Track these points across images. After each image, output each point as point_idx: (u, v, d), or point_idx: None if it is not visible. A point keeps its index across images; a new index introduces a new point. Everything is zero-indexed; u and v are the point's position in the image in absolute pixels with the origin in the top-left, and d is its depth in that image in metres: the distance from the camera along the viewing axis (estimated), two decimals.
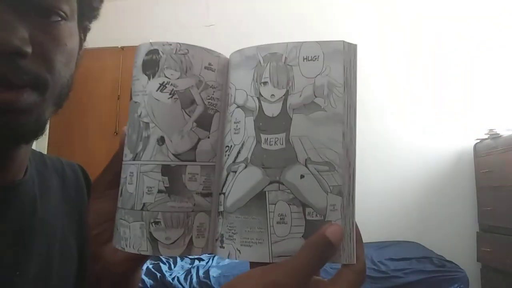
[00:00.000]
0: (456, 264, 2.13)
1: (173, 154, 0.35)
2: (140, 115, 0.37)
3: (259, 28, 3.31)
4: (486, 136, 2.77)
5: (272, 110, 0.36)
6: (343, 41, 0.38)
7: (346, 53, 0.38)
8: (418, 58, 3.13)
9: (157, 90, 0.36)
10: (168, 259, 2.40)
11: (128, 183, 0.37)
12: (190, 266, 2.24)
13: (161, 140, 0.35)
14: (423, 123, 3.06)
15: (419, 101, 3.10)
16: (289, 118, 0.35)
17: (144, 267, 2.20)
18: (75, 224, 0.53)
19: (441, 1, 3.19)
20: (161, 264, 2.24)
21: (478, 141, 2.85)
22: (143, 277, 2.06)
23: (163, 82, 0.36)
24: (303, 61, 0.38)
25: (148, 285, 2.00)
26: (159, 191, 0.35)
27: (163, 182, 0.35)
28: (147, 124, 0.36)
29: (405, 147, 3.05)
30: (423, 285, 1.95)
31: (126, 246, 0.36)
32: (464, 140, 2.96)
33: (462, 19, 3.13)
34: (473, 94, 3.04)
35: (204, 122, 0.37)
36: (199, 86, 0.37)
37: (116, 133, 3.22)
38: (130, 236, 0.35)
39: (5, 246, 0.41)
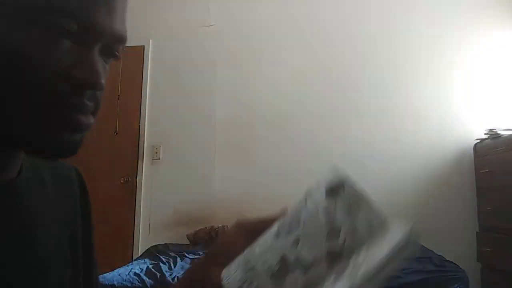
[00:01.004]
0: (456, 264, 2.13)
1: (295, 256, 0.43)
2: (299, 216, 0.46)
3: (259, 28, 3.31)
4: (486, 136, 2.77)
5: None
6: (409, 228, 0.40)
7: (405, 244, 0.40)
8: (419, 59, 3.14)
9: (322, 212, 0.45)
10: (168, 259, 2.40)
11: (259, 247, 0.45)
12: (190, 266, 2.24)
13: (296, 242, 0.44)
14: (423, 123, 3.06)
15: (419, 101, 3.10)
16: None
17: (144, 267, 2.20)
18: (68, 223, 0.54)
19: (441, 2, 3.19)
20: (161, 264, 2.24)
21: (478, 141, 2.85)
22: (143, 277, 2.06)
23: (330, 209, 0.45)
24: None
25: (148, 285, 2.00)
26: (268, 268, 0.43)
27: (276, 264, 0.43)
28: (299, 224, 0.45)
29: (405, 147, 3.05)
30: (423, 285, 1.95)
31: (226, 281, 0.44)
32: (464, 140, 2.96)
33: (462, 19, 3.14)
34: (473, 94, 3.04)
35: (331, 257, 0.43)
36: (351, 232, 0.44)
37: (116, 133, 3.22)
38: (232, 278, 0.44)
39: (2, 247, 0.41)
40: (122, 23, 0.44)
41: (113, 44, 0.44)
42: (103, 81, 0.41)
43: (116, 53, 0.46)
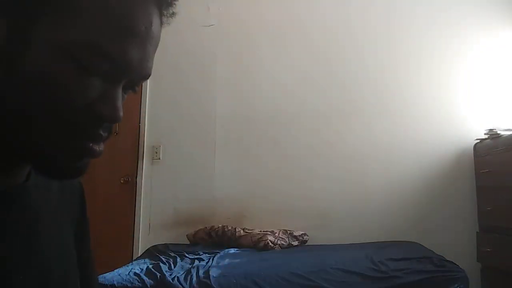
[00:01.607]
0: (456, 264, 2.12)
1: None
2: None
3: (259, 28, 3.31)
4: (486, 136, 2.77)
5: None
6: None
7: None
8: (419, 58, 3.14)
9: None
10: (168, 259, 2.40)
11: None
12: (190, 266, 2.24)
13: None
14: (423, 123, 3.07)
15: (419, 101, 3.10)
16: None
17: (144, 267, 2.20)
18: (70, 228, 0.55)
19: (443, 2, 3.19)
20: (161, 264, 2.24)
21: (478, 141, 2.85)
22: (143, 276, 2.06)
23: None
24: None
25: (148, 285, 2.00)
26: None
27: None
28: None
29: (405, 147, 3.05)
30: (423, 285, 1.95)
31: None
32: (464, 140, 2.96)
33: (463, 19, 3.14)
34: (473, 94, 3.04)
35: None
36: None
37: (116, 133, 3.22)
38: None
39: (10, 249, 0.42)
40: (152, 61, 0.45)
41: (138, 80, 0.46)
42: (121, 114, 0.43)
43: (136, 87, 0.47)
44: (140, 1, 0.42)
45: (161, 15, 0.46)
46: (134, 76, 0.44)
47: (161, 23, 0.47)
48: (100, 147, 0.44)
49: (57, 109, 0.39)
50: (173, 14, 0.48)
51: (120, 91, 0.43)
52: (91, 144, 0.42)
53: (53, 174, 0.43)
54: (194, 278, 2.02)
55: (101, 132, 0.43)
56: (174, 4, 0.48)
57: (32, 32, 0.38)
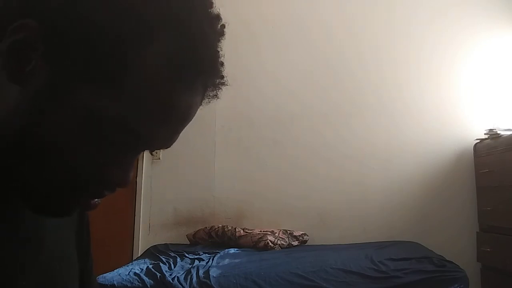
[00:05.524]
0: (456, 264, 2.12)
1: None
2: None
3: (259, 28, 3.31)
4: (486, 136, 2.77)
5: None
6: None
7: None
8: (419, 58, 3.14)
9: None
10: (168, 259, 2.40)
11: None
12: (190, 266, 2.24)
13: None
14: (424, 123, 3.07)
15: (419, 101, 3.10)
16: None
17: (144, 267, 2.20)
18: (73, 232, 0.56)
19: (444, 2, 3.19)
20: (161, 264, 2.24)
21: (478, 141, 2.85)
22: (143, 277, 2.06)
23: None
24: None
25: (148, 285, 2.00)
26: None
27: None
28: None
29: (405, 147, 3.05)
30: (423, 285, 1.95)
31: None
32: (464, 140, 2.96)
33: (464, 19, 3.14)
34: (473, 94, 3.04)
35: None
36: None
37: None
38: None
39: (12, 255, 0.42)
40: (178, 136, 0.44)
41: (158, 149, 0.45)
42: (130, 180, 0.43)
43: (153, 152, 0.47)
44: (189, 86, 0.40)
45: (203, 96, 0.44)
46: (156, 149, 0.44)
47: (201, 103, 0.45)
48: (98, 201, 0.44)
49: (69, 162, 0.39)
50: (215, 96, 0.46)
51: (135, 159, 0.43)
52: (92, 201, 0.43)
53: (43, 213, 0.42)
54: (194, 278, 2.02)
55: (105, 192, 0.43)
56: (221, 88, 0.46)
57: (71, 89, 0.37)
